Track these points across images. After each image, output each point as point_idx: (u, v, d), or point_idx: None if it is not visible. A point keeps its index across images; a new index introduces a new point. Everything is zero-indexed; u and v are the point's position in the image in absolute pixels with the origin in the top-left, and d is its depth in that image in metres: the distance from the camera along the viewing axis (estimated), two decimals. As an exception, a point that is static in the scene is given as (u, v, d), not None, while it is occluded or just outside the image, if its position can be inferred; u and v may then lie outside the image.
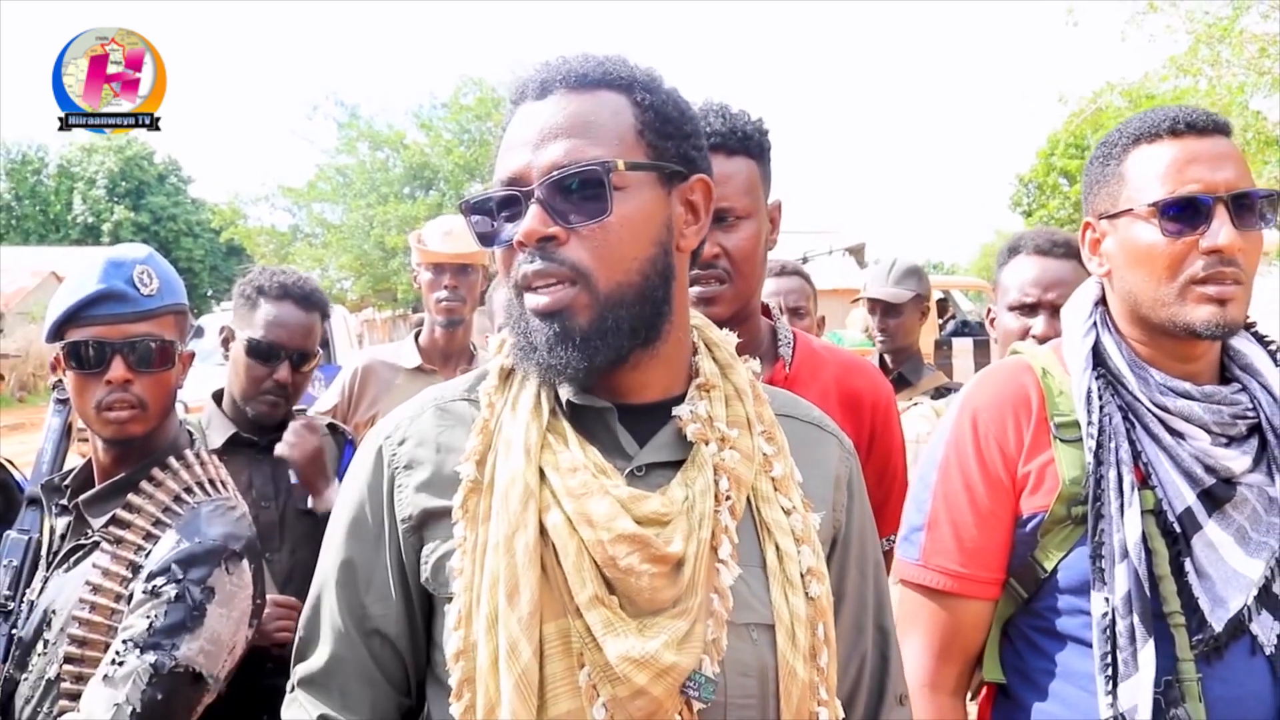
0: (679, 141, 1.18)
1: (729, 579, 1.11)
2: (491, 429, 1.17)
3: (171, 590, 1.59)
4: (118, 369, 1.71)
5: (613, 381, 1.17)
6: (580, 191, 1.10)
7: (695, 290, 1.74)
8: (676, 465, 1.16)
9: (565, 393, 1.17)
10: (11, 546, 1.84)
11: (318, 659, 1.21)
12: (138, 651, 1.55)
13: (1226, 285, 1.45)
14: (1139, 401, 1.50)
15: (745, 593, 1.13)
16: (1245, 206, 1.46)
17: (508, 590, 1.07)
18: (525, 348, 1.14)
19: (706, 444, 1.16)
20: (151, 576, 1.60)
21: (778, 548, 1.16)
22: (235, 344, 2.49)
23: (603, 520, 1.07)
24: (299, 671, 1.23)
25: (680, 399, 1.20)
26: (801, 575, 1.16)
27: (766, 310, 1.96)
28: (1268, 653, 1.43)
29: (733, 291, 1.77)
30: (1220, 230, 1.43)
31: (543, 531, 1.09)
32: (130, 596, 1.63)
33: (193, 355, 1.87)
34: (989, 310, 2.59)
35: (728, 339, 1.29)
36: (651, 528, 1.08)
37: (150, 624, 1.56)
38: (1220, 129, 1.50)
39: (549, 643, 1.06)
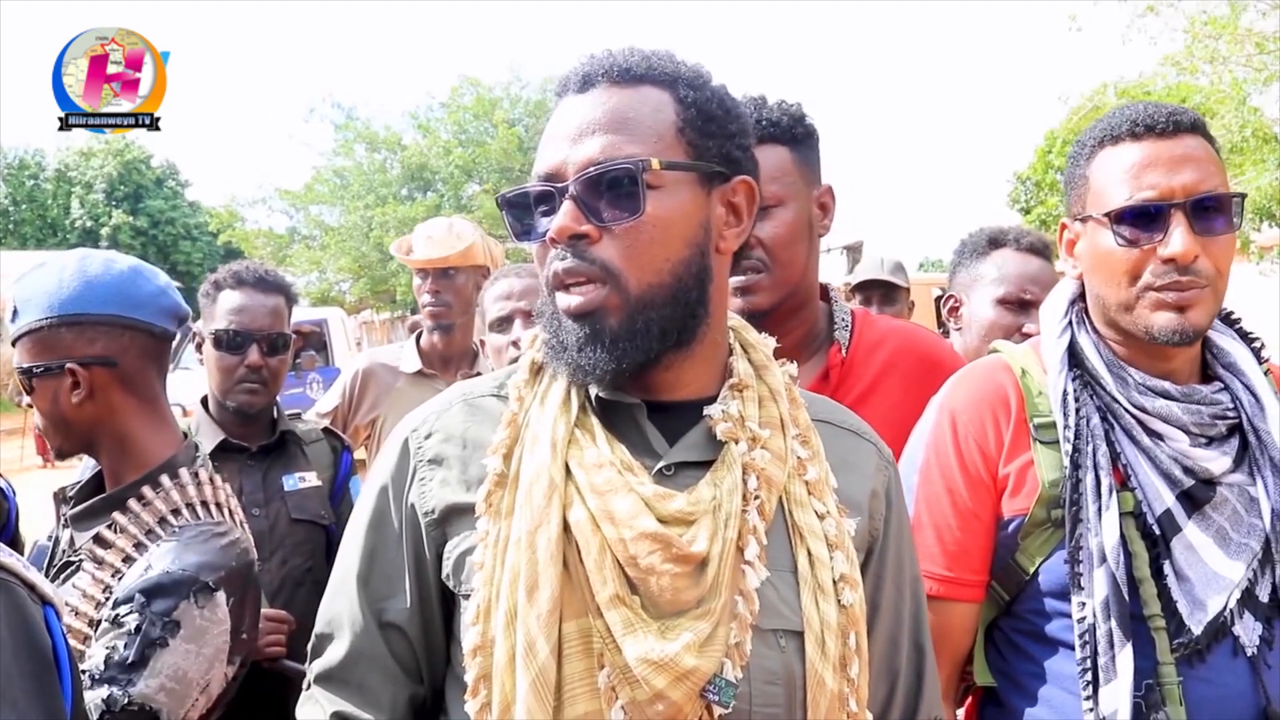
0: (722, 141, 1.15)
1: (755, 581, 1.08)
2: (520, 423, 1.16)
3: (133, 621, 1.46)
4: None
5: (645, 379, 1.15)
6: (614, 189, 1.09)
7: (735, 280, 1.71)
8: (709, 465, 1.13)
9: (595, 388, 1.15)
10: (37, 555, 1.76)
11: (336, 653, 1.19)
12: (92, 684, 1.43)
13: (1185, 292, 1.42)
14: (1116, 402, 1.48)
15: (774, 598, 1.10)
16: (1207, 210, 1.42)
17: (528, 586, 1.04)
18: (556, 346, 1.13)
19: (736, 443, 1.13)
20: (116, 604, 1.49)
21: (810, 553, 1.13)
22: (205, 344, 2.47)
23: (624, 518, 1.05)
24: (316, 667, 1.21)
25: (714, 399, 1.17)
26: (834, 582, 1.12)
27: (825, 294, 1.94)
28: (1249, 654, 1.41)
29: (771, 280, 1.76)
30: (1176, 238, 1.41)
31: (567, 529, 1.07)
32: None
33: (74, 369, 1.59)
34: (950, 297, 2.49)
35: (765, 341, 1.27)
36: (676, 527, 1.06)
37: (108, 656, 1.45)
38: (1187, 128, 1.45)
39: (569, 642, 1.04)
